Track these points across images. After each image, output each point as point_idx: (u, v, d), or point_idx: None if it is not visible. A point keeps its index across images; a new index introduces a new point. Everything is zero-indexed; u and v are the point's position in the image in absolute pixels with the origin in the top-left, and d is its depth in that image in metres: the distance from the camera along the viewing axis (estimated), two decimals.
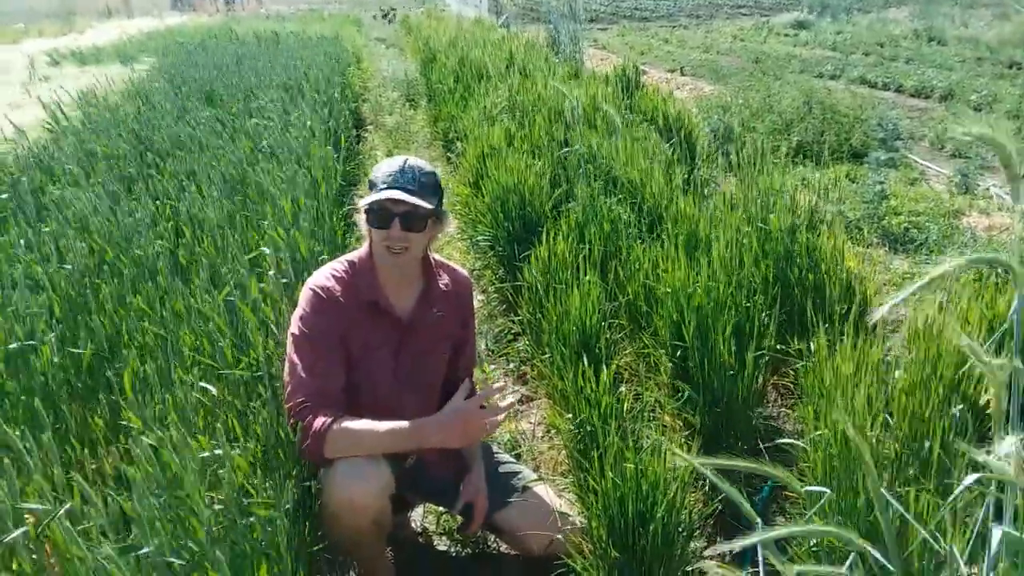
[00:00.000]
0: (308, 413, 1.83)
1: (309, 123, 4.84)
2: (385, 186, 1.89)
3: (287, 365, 1.92)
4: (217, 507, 1.64)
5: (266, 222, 3.18)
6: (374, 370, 1.98)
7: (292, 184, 3.67)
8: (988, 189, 5.31)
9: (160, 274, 2.66)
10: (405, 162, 1.94)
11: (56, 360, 2.23)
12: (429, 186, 1.93)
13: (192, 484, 1.58)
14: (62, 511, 1.47)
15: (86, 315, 2.44)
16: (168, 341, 2.27)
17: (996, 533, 0.80)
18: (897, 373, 2.14)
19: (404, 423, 1.83)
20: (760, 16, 21.54)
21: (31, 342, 2.24)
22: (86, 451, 1.97)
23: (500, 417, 1.94)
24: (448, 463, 2.09)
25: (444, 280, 2.11)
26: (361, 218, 1.96)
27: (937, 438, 1.85)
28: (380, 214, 1.90)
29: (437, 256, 2.15)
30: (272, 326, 2.37)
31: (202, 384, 2.07)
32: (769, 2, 26.29)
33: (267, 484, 1.78)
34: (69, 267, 2.72)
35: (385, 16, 22.36)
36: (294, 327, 1.93)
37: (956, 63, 11.20)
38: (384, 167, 1.95)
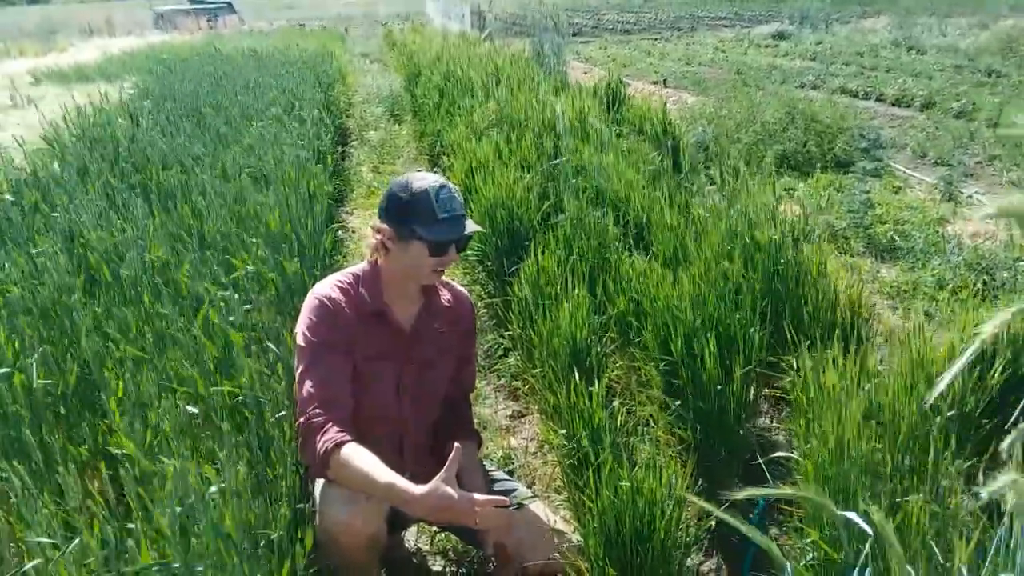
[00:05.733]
0: (318, 428, 1.80)
1: (299, 153, 4.81)
2: (448, 215, 1.87)
3: (297, 376, 1.90)
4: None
5: (253, 241, 3.16)
6: (378, 381, 1.97)
7: (284, 202, 3.65)
8: (971, 196, 5.36)
9: (145, 293, 2.64)
10: (446, 186, 1.90)
11: (37, 385, 2.19)
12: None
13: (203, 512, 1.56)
14: (70, 548, 1.44)
15: (69, 337, 2.41)
16: (153, 363, 2.24)
17: None
18: (876, 381, 2.13)
19: (402, 484, 1.71)
20: (741, 27, 21.69)
21: (5, 370, 2.20)
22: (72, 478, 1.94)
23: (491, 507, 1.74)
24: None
25: (446, 296, 2.12)
26: (374, 235, 1.95)
27: (918, 444, 1.86)
28: (445, 244, 1.89)
29: None
30: (268, 344, 2.35)
31: (189, 407, 2.05)
32: (749, 14, 26.55)
33: (257, 508, 1.76)
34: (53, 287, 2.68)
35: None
36: (300, 338, 1.92)
37: (935, 72, 11.31)
38: (430, 193, 1.87)
